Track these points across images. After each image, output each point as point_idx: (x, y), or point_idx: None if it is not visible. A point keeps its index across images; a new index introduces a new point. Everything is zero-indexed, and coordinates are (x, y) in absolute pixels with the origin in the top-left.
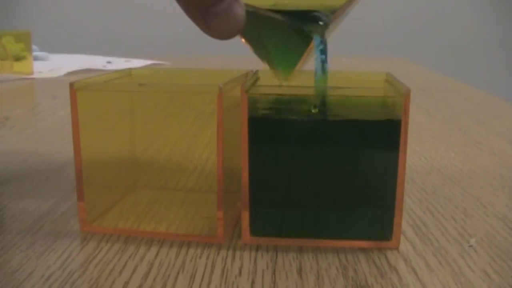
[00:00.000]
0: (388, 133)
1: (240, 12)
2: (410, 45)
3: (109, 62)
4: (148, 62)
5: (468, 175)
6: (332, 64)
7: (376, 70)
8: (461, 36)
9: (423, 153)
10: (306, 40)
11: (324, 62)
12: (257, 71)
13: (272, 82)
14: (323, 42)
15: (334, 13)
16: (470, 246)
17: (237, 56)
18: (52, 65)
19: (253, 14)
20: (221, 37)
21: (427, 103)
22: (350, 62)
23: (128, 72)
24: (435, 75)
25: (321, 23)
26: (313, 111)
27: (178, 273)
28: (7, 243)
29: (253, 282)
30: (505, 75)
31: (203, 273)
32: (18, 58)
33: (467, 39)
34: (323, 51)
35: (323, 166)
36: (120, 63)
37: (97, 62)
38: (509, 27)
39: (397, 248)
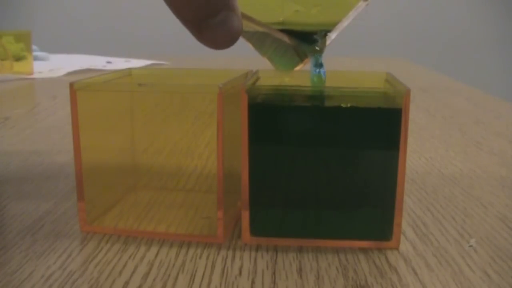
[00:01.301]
0: (389, 124)
1: (236, 24)
2: (410, 45)
3: (109, 62)
4: (148, 62)
5: (468, 175)
6: (332, 64)
7: (376, 70)
8: (461, 36)
9: (423, 153)
10: (302, 56)
11: (320, 76)
12: (257, 71)
13: (272, 82)
14: (318, 62)
15: (328, 35)
16: (470, 246)
17: (237, 56)
18: (52, 65)
19: (253, 27)
20: (215, 48)
21: (427, 103)
22: (350, 62)
23: (128, 72)
24: (435, 75)
25: (317, 48)
26: (314, 103)
27: (178, 273)
28: (7, 243)
29: (253, 282)
30: (505, 75)
31: (203, 273)
32: (18, 58)
33: (467, 39)
34: (319, 68)
35: (323, 165)
36: (120, 63)
37: (97, 62)
38: (509, 27)
39: (397, 248)
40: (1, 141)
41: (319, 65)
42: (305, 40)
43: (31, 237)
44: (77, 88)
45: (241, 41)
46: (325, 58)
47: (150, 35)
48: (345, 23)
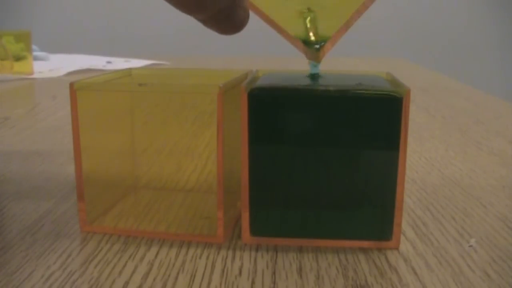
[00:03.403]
0: (389, 121)
1: (241, 17)
2: (410, 45)
3: (109, 62)
4: (148, 62)
5: (468, 175)
6: (333, 64)
7: (376, 70)
8: (461, 36)
9: (423, 153)
10: None
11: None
12: (257, 71)
13: (272, 81)
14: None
15: (324, 45)
16: (470, 246)
17: (237, 56)
18: (52, 65)
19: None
20: (222, 34)
21: (427, 103)
22: (350, 62)
23: (128, 72)
24: (435, 75)
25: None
26: (313, 103)
27: (178, 273)
28: (7, 243)
29: (253, 282)
30: (505, 75)
31: (203, 273)
32: (18, 58)
33: (467, 39)
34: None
35: (324, 165)
36: (120, 63)
37: (97, 62)
38: (509, 27)
39: (397, 248)
40: (1, 141)
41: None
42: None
43: (31, 237)
44: (77, 88)
45: (241, 41)
46: (326, 58)
47: (150, 35)
48: (343, 32)
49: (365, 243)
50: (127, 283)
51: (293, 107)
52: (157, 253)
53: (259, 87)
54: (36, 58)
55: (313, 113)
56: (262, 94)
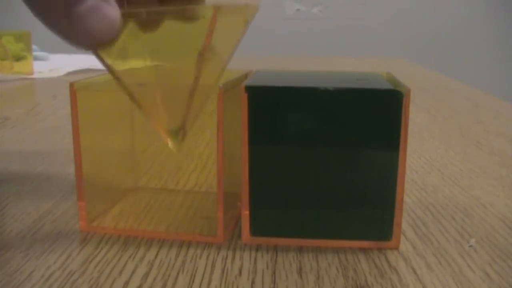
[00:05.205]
0: (389, 120)
1: (111, 10)
2: (410, 45)
3: None
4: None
5: (468, 175)
6: (333, 64)
7: (376, 70)
8: (461, 36)
9: (423, 153)
10: None
11: None
12: (257, 71)
13: (271, 81)
14: None
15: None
16: (470, 246)
17: (237, 56)
18: (52, 65)
19: None
20: (94, 43)
21: (427, 103)
22: (350, 62)
23: None
24: (435, 75)
25: None
26: (313, 102)
27: (178, 273)
28: (7, 243)
29: (253, 282)
30: (505, 75)
31: (203, 273)
32: (18, 58)
33: (467, 39)
34: None
35: (323, 165)
36: None
37: (97, 62)
38: (509, 27)
39: (397, 248)
40: (1, 141)
41: None
42: None
43: (31, 237)
44: (77, 88)
45: (241, 41)
46: (326, 59)
47: None
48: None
49: (365, 243)
50: (127, 283)
51: (293, 107)
52: (157, 253)
53: (259, 87)
54: (36, 58)
55: (313, 112)
56: (262, 94)
